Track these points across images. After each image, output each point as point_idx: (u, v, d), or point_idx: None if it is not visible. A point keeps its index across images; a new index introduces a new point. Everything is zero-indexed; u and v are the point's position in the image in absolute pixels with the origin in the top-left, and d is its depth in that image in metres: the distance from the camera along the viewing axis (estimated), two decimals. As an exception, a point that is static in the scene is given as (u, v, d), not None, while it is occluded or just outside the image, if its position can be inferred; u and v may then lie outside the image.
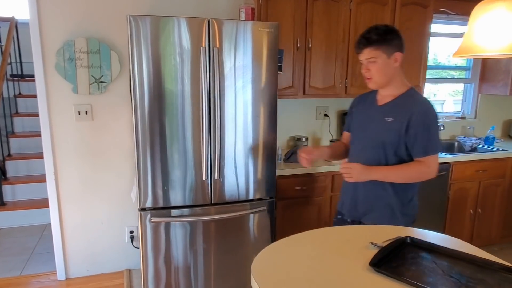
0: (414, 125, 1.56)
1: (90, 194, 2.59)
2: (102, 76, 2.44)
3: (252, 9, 2.23)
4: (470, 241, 3.07)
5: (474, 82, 3.63)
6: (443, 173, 2.82)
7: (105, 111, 2.52)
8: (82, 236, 2.63)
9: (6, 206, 3.64)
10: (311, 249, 1.27)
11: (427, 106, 1.58)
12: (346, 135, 1.92)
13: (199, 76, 1.98)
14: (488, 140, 3.32)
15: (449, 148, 3.37)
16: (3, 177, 3.77)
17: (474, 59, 3.59)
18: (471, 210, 3.00)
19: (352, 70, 2.71)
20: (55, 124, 2.44)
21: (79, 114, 2.46)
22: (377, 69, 1.59)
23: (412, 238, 1.29)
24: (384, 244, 1.26)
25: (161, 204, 2.05)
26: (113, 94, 2.51)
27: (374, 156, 1.67)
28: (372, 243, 1.29)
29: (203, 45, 1.95)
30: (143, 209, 2.03)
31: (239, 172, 2.13)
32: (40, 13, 2.30)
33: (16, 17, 4.52)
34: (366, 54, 1.59)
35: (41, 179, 3.70)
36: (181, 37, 1.92)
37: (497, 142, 3.37)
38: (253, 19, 2.24)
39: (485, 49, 1.23)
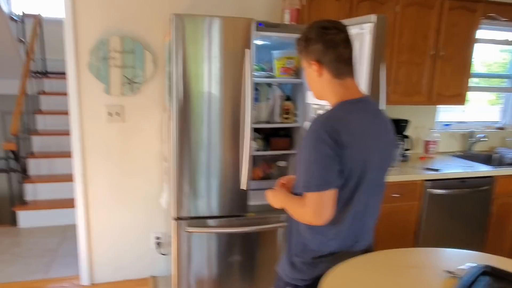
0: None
1: (117, 197, 2.50)
2: (135, 76, 2.35)
3: (298, 10, 2.12)
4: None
5: (515, 91, 3.46)
6: (486, 187, 2.66)
7: (136, 113, 2.43)
8: (107, 241, 2.54)
9: (28, 205, 3.59)
10: (379, 274, 1.15)
11: (310, 125, 1.17)
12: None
13: (241, 80, 1.87)
14: (532, 153, 3.15)
15: (488, 160, 3.21)
16: (24, 175, 3.72)
17: (515, 67, 3.42)
18: (514, 227, 2.84)
19: (395, 75, 2.58)
20: (86, 125, 2.36)
21: (110, 115, 2.38)
22: (306, 78, 1.32)
23: (493, 268, 1.16)
24: (460, 273, 1.14)
25: (196, 213, 1.95)
26: (145, 96, 2.42)
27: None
28: (447, 271, 1.16)
29: (248, 47, 1.84)
30: (178, 218, 1.93)
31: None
32: (75, 11, 2.22)
33: (42, 14, 4.48)
34: None
35: (64, 178, 3.64)
36: (227, 38, 1.82)
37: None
38: (297, 21, 2.13)
39: None
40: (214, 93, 1.85)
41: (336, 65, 1.18)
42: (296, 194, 1.28)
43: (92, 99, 2.34)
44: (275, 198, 1.35)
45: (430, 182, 2.50)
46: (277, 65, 2.15)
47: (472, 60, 2.80)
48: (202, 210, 1.95)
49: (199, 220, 1.94)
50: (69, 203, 3.16)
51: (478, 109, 3.66)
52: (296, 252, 1.31)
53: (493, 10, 2.78)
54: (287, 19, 2.13)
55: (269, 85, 2.25)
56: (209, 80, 1.83)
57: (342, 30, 1.19)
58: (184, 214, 1.93)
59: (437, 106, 3.15)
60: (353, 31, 1.80)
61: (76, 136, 2.36)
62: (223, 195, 1.96)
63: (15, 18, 4.12)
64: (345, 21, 1.86)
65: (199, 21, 1.77)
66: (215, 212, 1.96)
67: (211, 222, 1.95)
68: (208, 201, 1.95)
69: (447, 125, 3.26)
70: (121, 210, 2.52)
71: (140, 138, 2.46)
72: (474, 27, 2.74)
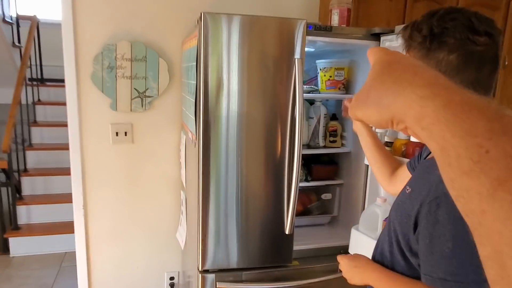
0: (422, 220, 0.77)
1: (124, 229, 2.10)
2: (147, 89, 1.96)
3: (349, 10, 1.73)
4: None
5: None
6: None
7: (148, 132, 2.03)
8: (111, 279, 2.14)
9: (21, 230, 3.18)
10: None
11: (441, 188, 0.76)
12: (405, 168, 1.14)
13: (286, 96, 1.48)
14: None
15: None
16: (17, 196, 3.31)
17: None
18: None
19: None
20: (88, 146, 1.96)
21: (117, 135, 1.98)
22: None
23: None
24: None
25: (228, 264, 1.55)
26: (159, 112, 2.02)
27: (385, 240, 0.97)
28: None
29: (298, 55, 1.45)
30: (205, 271, 1.53)
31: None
32: (75, 11, 1.83)
33: (38, 16, 4.10)
34: None
35: (61, 199, 3.24)
36: (269, 43, 1.43)
37: None
38: (348, 23, 1.74)
39: None
40: (250, 112, 1.45)
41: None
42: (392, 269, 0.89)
43: (96, 116, 1.94)
44: (358, 274, 0.96)
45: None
46: (322, 77, 1.76)
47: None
48: (234, 260, 1.55)
49: (230, 273, 1.54)
50: (67, 227, 2.78)
51: None
52: None
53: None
54: (335, 21, 1.74)
55: (311, 101, 1.86)
56: (244, 95, 1.43)
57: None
58: (212, 265, 1.53)
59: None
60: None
61: (76, 160, 1.96)
62: (260, 241, 1.56)
63: (9, 20, 3.73)
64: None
65: (235, 21, 1.38)
66: (251, 263, 1.56)
67: (246, 275, 1.55)
68: (242, 248, 1.55)
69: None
70: (129, 246, 2.12)
71: (152, 161, 2.06)
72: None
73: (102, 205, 2.03)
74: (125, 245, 2.11)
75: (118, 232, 2.09)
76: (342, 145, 1.86)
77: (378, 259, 0.97)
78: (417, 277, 0.82)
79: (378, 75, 0.38)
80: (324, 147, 1.85)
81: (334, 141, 1.84)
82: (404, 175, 1.10)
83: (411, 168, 1.08)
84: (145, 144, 2.04)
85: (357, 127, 1.24)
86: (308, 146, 1.84)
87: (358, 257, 1.01)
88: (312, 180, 1.84)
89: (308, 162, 1.86)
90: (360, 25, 1.92)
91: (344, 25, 1.72)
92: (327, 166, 1.86)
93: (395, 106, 0.35)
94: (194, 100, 1.50)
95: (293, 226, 1.52)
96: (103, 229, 2.06)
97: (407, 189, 0.88)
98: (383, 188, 1.26)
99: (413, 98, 0.33)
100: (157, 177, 2.09)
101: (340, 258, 1.03)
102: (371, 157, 1.24)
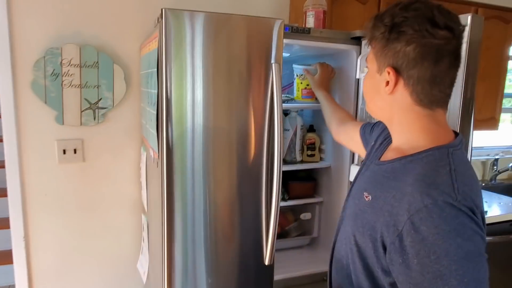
0: (406, 238, 0.68)
1: (76, 266, 1.81)
2: (101, 99, 1.71)
3: (325, 12, 1.59)
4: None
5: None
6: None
7: (102, 149, 1.77)
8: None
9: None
10: None
11: (434, 199, 0.67)
12: (356, 126, 1.18)
13: (261, 106, 1.29)
14: None
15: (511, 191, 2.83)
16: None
17: (532, 85, 3.11)
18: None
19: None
20: (29, 167, 1.67)
21: (64, 153, 1.71)
22: (364, 84, 0.90)
23: None
24: None
25: (199, 302, 1.32)
26: (115, 125, 1.77)
27: (343, 254, 0.89)
28: None
29: (274, 60, 1.27)
30: (172, 313, 1.30)
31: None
32: (11, 9, 1.56)
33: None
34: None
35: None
36: (241, 45, 1.24)
37: None
38: (324, 26, 1.60)
39: None
40: (220, 125, 1.26)
41: (428, 88, 0.74)
42: None
43: (38, 132, 1.66)
44: None
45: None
46: (299, 84, 1.61)
47: (506, 78, 2.42)
48: (206, 297, 1.33)
49: (202, 313, 1.32)
50: (5, 258, 2.41)
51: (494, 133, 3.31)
52: None
53: (526, 21, 2.42)
54: (310, 23, 1.59)
55: (286, 112, 1.69)
56: (210, 106, 1.23)
57: (458, 35, 0.74)
58: (180, 304, 1.30)
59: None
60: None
61: (14, 182, 1.66)
62: (235, 275, 1.35)
63: None
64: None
65: (199, 19, 1.18)
66: (227, 299, 1.35)
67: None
68: (214, 283, 1.33)
69: (467, 151, 2.85)
70: (80, 280, 1.82)
71: (107, 182, 1.80)
72: (507, 40, 2.36)
73: (47, 236, 1.74)
74: (76, 281, 1.82)
75: (68, 267, 1.79)
76: (321, 159, 1.70)
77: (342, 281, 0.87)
78: None
79: None
80: (302, 162, 1.68)
81: (312, 155, 1.68)
82: (352, 133, 1.18)
83: (364, 137, 1.10)
84: (99, 163, 1.77)
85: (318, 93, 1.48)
86: (284, 161, 1.66)
87: None
88: (290, 198, 1.67)
89: (284, 179, 1.68)
90: (334, 28, 1.79)
91: (321, 28, 1.58)
92: (306, 183, 1.69)
93: None
94: (155, 112, 1.28)
95: (273, 256, 1.32)
96: (49, 264, 1.76)
97: (366, 196, 0.81)
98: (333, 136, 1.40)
99: None
100: (114, 200, 1.82)
101: None
102: (325, 114, 1.46)
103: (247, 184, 1.33)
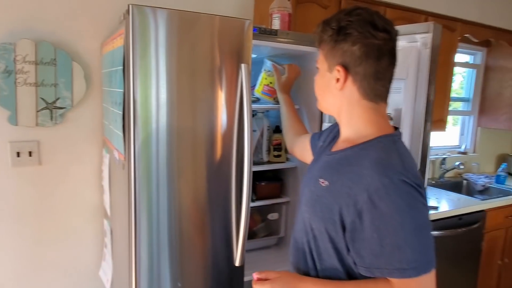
0: (365, 215, 0.77)
1: (32, 279, 1.69)
2: (58, 99, 1.62)
3: (290, 15, 1.62)
4: (497, 295, 2.73)
5: (474, 114, 3.41)
6: (478, 224, 2.42)
7: (61, 151, 1.68)
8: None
9: None
10: None
11: (391, 178, 0.77)
12: (308, 137, 1.25)
13: (230, 107, 1.30)
14: (500, 179, 3.06)
15: (459, 187, 3.05)
16: None
17: (474, 90, 3.37)
18: (499, 261, 2.66)
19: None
20: (-24, 172, 1.55)
21: (18, 156, 1.60)
22: (316, 83, 0.99)
23: None
24: None
25: (167, 306, 1.30)
26: (74, 126, 1.69)
27: (300, 247, 0.96)
28: None
29: (244, 61, 1.28)
30: (140, 319, 1.26)
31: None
32: (-43, -2, 1.44)
33: None
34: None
35: None
36: (211, 45, 1.24)
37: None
38: (289, 28, 1.63)
39: None
40: (187, 126, 1.24)
41: (373, 83, 0.86)
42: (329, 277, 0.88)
43: (-12, 133, 1.55)
44: None
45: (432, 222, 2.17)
46: (263, 79, 1.62)
47: (452, 83, 2.61)
48: (175, 301, 1.30)
49: (171, 318, 1.29)
50: None
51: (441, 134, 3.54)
52: None
53: (470, 31, 2.63)
54: (276, 25, 1.62)
55: (252, 113, 1.70)
56: (180, 106, 1.22)
57: (394, 37, 0.86)
58: (148, 310, 1.27)
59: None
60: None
61: (-41, 189, 1.53)
62: (204, 277, 1.34)
63: None
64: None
65: (162, 17, 1.16)
66: (196, 302, 1.33)
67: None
68: (186, 286, 1.31)
69: (419, 151, 3.03)
70: (36, 292, 1.72)
71: (66, 187, 1.71)
72: (453, 47, 2.55)
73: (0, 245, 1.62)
74: (31, 291, 1.71)
75: (23, 280, 1.67)
76: (287, 159, 1.73)
77: (303, 267, 0.94)
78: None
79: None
80: (269, 162, 1.70)
81: (278, 156, 1.70)
82: (305, 144, 1.23)
83: (313, 143, 1.16)
84: (57, 166, 1.68)
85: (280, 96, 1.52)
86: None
87: (290, 277, 0.90)
88: (257, 199, 1.68)
89: (252, 180, 1.69)
90: (297, 31, 1.83)
91: (286, 30, 1.61)
92: (273, 183, 1.71)
93: None
94: (121, 113, 1.24)
95: (244, 256, 1.33)
96: (2, 276, 1.63)
97: (322, 182, 0.88)
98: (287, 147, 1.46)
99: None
100: (73, 205, 1.73)
101: (270, 284, 0.88)
102: (283, 119, 1.49)
103: (216, 185, 1.33)
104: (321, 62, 0.92)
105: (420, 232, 0.77)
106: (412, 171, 0.81)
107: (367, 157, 0.82)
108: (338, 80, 0.87)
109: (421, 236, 0.77)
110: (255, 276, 0.92)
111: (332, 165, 0.91)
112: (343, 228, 0.81)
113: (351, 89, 0.87)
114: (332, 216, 0.83)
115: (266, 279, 0.89)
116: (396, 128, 0.91)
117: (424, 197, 0.81)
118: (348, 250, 0.83)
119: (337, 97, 0.90)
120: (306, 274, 0.93)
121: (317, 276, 0.90)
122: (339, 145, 0.94)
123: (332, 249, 0.85)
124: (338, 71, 0.86)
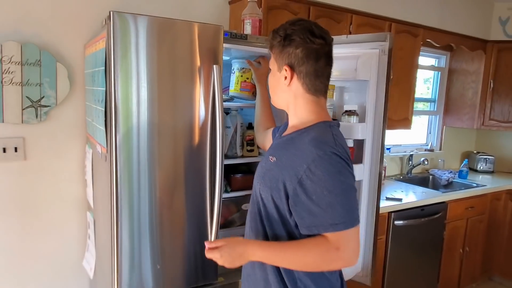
0: (305, 182, 0.96)
1: (18, 271, 1.77)
2: (43, 97, 1.72)
3: (260, 20, 1.77)
4: (459, 282, 2.93)
5: (439, 114, 3.63)
6: (439, 214, 2.61)
7: (45, 147, 1.78)
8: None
9: None
10: None
11: (317, 150, 0.97)
12: (270, 131, 1.44)
13: (204, 104, 1.43)
14: (462, 174, 3.28)
15: (425, 182, 3.25)
16: None
17: (439, 91, 3.60)
18: (460, 250, 2.86)
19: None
20: (-37, 167, 1.63)
21: (4, 151, 1.69)
22: (269, 81, 1.17)
23: None
24: None
25: None
26: (58, 123, 1.79)
27: (253, 216, 1.14)
28: None
29: (216, 63, 1.42)
30: (121, 299, 1.37)
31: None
32: None
33: None
34: None
35: None
36: (186, 49, 1.37)
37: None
38: (260, 33, 1.78)
39: None
40: (165, 122, 1.37)
41: (313, 80, 1.06)
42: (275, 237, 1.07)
43: (-25, 130, 1.63)
44: (233, 255, 1.02)
45: (395, 213, 2.34)
46: (239, 77, 1.76)
47: (415, 85, 2.80)
48: (154, 284, 1.42)
49: (151, 298, 1.41)
50: None
51: (408, 132, 3.76)
52: None
53: (431, 36, 2.83)
54: (248, 30, 1.76)
55: (226, 111, 1.84)
56: (155, 103, 1.35)
57: (329, 43, 1.06)
58: (129, 291, 1.38)
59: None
60: (356, 49, 1.60)
61: None
62: (182, 261, 1.46)
63: None
64: (351, 37, 1.62)
65: (142, 23, 1.29)
66: (174, 285, 1.45)
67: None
68: (162, 270, 1.43)
69: (388, 149, 3.23)
70: (23, 284, 1.80)
71: (50, 181, 1.80)
72: (416, 51, 2.74)
73: (-16, 236, 1.70)
74: (19, 285, 1.79)
75: (9, 272, 1.76)
76: (260, 154, 1.87)
77: (255, 233, 1.11)
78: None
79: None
80: (242, 156, 1.84)
81: (251, 150, 1.84)
82: (268, 137, 1.41)
83: (274, 135, 1.33)
84: (42, 161, 1.77)
85: (258, 88, 1.62)
86: (226, 156, 1.80)
87: (237, 242, 1.05)
88: (232, 190, 1.81)
89: (226, 173, 1.82)
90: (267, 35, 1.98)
91: (257, 35, 1.75)
92: (246, 176, 1.84)
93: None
94: (103, 109, 1.36)
95: (217, 238, 1.46)
96: (-14, 265, 1.72)
97: (271, 159, 1.09)
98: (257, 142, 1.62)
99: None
100: (57, 199, 1.83)
101: (219, 251, 1.02)
102: (256, 113, 1.61)
103: (193, 176, 1.45)
104: (272, 63, 1.11)
105: (348, 193, 0.97)
106: (342, 147, 1.01)
107: (307, 136, 1.02)
108: (286, 78, 1.06)
109: (349, 197, 0.97)
110: (207, 245, 1.06)
111: (281, 145, 1.12)
112: (286, 196, 1.00)
113: (296, 85, 1.06)
114: (278, 185, 1.01)
115: (216, 247, 1.03)
116: (334, 120, 1.13)
117: (351, 168, 1.02)
118: (290, 214, 1.01)
119: (286, 92, 1.09)
120: (258, 239, 1.10)
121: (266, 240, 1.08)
122: (288, 131, 1.14)
123: (277, 214, 1.04)
124: (286, 70, 1.05)
